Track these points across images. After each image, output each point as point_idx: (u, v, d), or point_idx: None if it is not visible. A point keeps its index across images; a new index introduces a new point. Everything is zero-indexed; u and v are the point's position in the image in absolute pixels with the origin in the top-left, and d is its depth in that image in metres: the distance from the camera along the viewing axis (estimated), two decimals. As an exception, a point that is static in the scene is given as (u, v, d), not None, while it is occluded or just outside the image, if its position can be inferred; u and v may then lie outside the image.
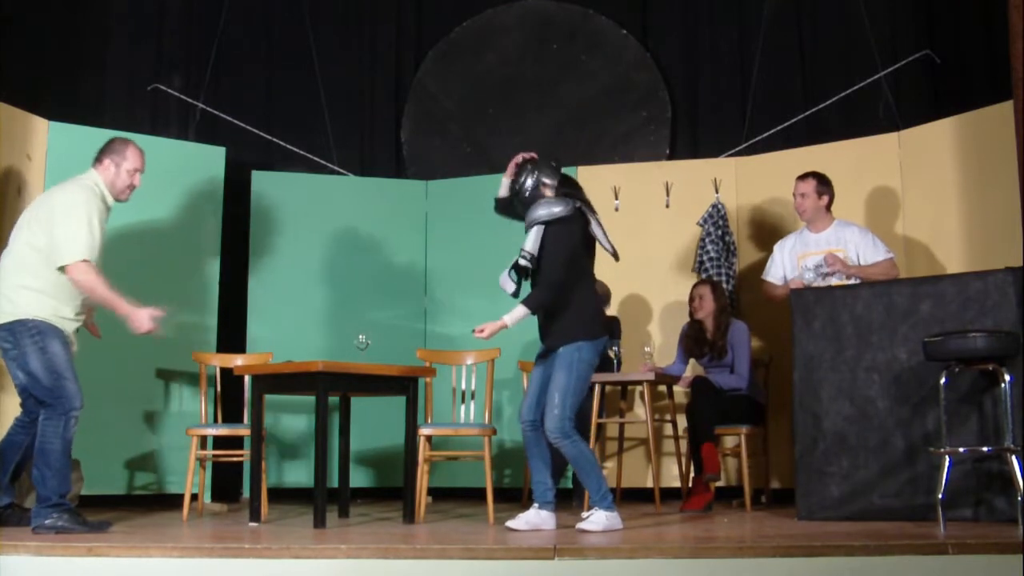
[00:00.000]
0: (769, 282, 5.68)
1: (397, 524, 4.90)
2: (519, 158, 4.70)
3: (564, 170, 6.74)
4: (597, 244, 4.71)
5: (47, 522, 4.29)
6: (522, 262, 4.48)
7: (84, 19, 7.05)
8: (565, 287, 4.47)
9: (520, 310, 4.42)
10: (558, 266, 4.45)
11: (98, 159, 4.65)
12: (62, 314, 4.45)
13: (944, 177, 5.88)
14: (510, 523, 4.52)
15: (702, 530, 4.53)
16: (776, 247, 5.73)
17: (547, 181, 4.59)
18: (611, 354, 5.90)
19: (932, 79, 6.73)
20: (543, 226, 4.48)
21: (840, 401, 4.81)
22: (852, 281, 5.29)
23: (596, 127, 7.37)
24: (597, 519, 4.41)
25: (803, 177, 5.60)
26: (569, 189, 4.66)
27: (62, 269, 4.41)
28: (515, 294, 4.54)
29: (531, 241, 4.47)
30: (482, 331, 4.43)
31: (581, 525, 4.42)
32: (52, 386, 4.37)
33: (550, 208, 4.47)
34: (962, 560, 3.54)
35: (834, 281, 5.35)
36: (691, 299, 5.97)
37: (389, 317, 6.90)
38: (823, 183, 5.55)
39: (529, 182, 4.58)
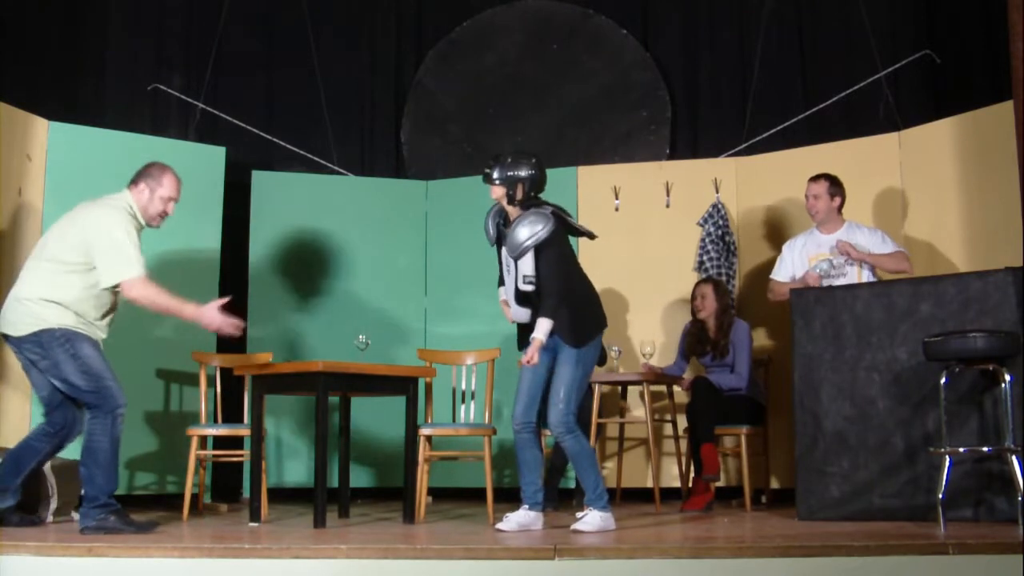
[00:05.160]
0: (777, 281, 5.66)
1: (397, 524, 4.91)
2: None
3: (564, 170, 6.85)
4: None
5: (94, 523, 4.30)
6: (528, 288, 4.53)
7: (84, 19, 7.05)
8: (567, 287, 4.53)
9: (545, 323, 4.47)
10: (558, 275, 4.50)
11: (134, 181, 4.63)
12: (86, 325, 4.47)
13: (944, 177, 5.87)
14: (500, 525, 4.54)
15: (702, 530, 4.53)
16: (785, 247, 5.72)
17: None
18: (612, 354, 5.90)
19: (932, 79, 6.73)
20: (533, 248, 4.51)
21: (840, 401, 4.80)
22: (865, 269, 5.33)
23: (596, 127, 7.37)
24: (591, 520, 4.43)
25: (815, 178, 5.58)
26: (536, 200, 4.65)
27: (116, 287, 4.44)
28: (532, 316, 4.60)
29: (528, 265, 4.52)
30: (529, 360, 4.48)
31: (576, 526, 4.44)
32: (94, 388, 4.39)
33: (532, 229, 4.48)
34: (962, 560, 3.54)
35: (839, 282, 5.36)
36: (693, 298, 5.97)
37: (389, 317, 6.90)
38: (835, 184, 5.55)
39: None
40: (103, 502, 4.35)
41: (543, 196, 4.67)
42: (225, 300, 4.59)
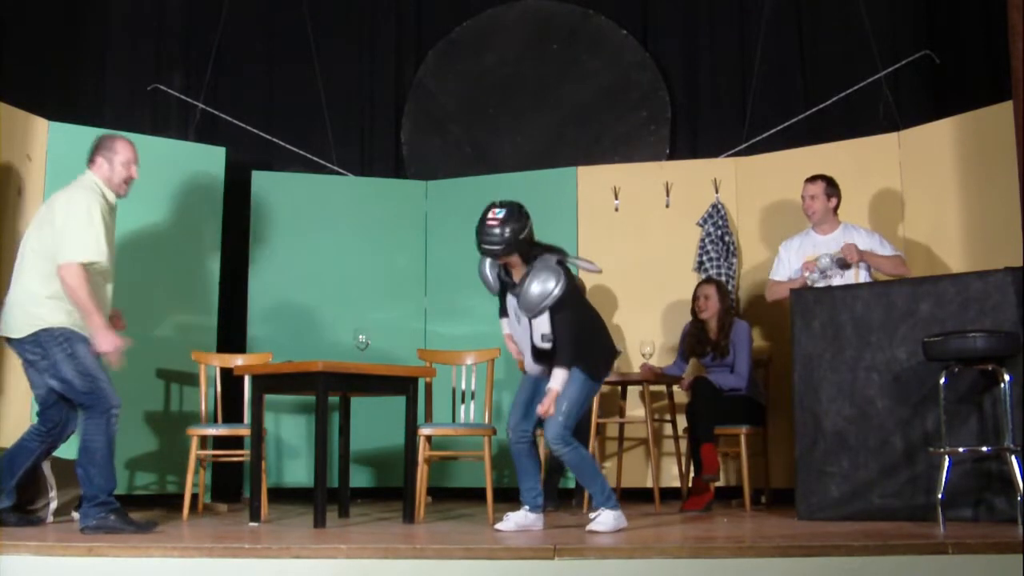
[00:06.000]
0: (776, 281, 5.67)
1: (397, 524, 4.91)
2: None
3: (564, 170, 6.85)
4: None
5: (94, 522, 4.31)
6: (545, 345, 4.49)
7: (84, 19, 7.05)
8: (583, 332, 4.52)
9: (561, 373, 4.42)
10: (573, 330, 4.46)
11: (90, 159, 4.66)
12: (81, 318, 4.46)
13: (944, 177, 5.87)
14: (499, 525, 4.56)
15: (702, 530, 4.53)
16: (782, 247, 5.73)
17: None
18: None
19: (932, 79, 6.73)
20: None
21: (840, 401, 4.81)
22: (862, 270, 5.33)
23: (596, 127, 7.37)
24: (605, 520, 4.42)
25: (812, 179, 5.60)
26: (536, 247, 4.53)
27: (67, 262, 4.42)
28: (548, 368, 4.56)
29: (545, 324, 4.46)
30: (545, 412, 4.42)
31: (591, 526, 4.43)
32: (89, 389, 4.41)
33: (544, 287, 4.37)
34: (962, 560, 3.54)
35: (836, 281, 5.37)
36: (695, 298, 5.97)
37: (389, 317, 6.90)
38: (832, 185, 5.57)
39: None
40: (103, 500, 4.36)
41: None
42: (127, 344, 4.52)
